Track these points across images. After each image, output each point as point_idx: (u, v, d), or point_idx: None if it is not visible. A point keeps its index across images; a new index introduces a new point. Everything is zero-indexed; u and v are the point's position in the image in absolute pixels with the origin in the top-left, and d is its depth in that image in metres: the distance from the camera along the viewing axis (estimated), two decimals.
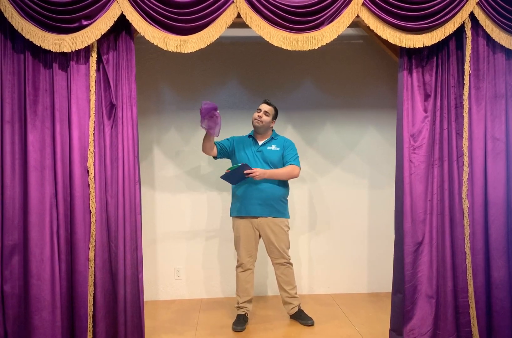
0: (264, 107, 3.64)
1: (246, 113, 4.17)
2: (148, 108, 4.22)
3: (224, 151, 3.70)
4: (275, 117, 3.71)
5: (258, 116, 3.62)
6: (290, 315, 3.77)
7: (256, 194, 3.56)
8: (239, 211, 3.63)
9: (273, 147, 3.66)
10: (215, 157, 3.72)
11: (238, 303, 3.71)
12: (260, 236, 3.66)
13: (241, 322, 3.62)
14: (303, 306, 3.83)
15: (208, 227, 4.34)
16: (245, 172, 3.44)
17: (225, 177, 3.52)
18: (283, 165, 3.64)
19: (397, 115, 3.21)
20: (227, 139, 3.77)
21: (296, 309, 3.72)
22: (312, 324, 3.63)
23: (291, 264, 3.70)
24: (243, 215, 3.60)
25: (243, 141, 3.73)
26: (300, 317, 3.70)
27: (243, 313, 3.69)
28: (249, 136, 3.74)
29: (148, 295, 4.08)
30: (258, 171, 3.46)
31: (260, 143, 3.68)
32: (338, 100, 4.36)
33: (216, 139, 3.61)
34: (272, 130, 3.76)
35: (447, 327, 3.13)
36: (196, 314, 3.93)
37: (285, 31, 2.98)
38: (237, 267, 3.71)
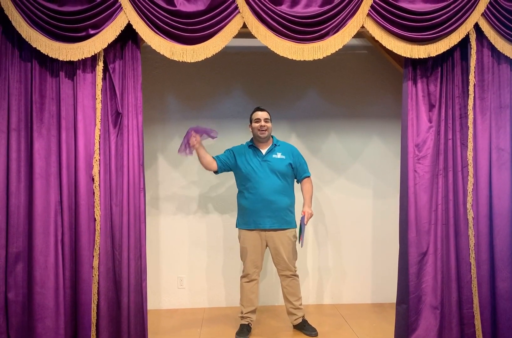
0: (261, 114, 3.54)
1: None
2: (153, 117, 4.23)
3: (226, 166, 3.62)
4: (271, 120, 3.63)
5: (260, 126, 3.53)
6: (294, 326, 3.74)
7: (265, 206, 3.49)
8: (247, 223, 3.56)
9: (279, 155, 3.58)
10: (216, 172, 3.65)
11: (242, 313, 3.68)
12: (267, 246, 3.62)
13: (244, 332, 3.59)
14: (308, 316, 3.81)
15: (212, 236, 4.33)
16: (305, 223, 3.50)
17: (302, 242, 3.50)
18: (291, 173, 3.61)
19: (402, 125, 3.21)
20: (226, 151, 3.68)
21: (300, 320, 3.70)
22: (316, 335, 3.60)
23: (297, 276, 3.67)
24: (252, 228, 3.55)
25: (243, 151, 3.63)
26: (304, 328, 3.66)
27: (247, 323, 3.66)
28: (249, 146, 3.64)
29: (151, 304, 4.07)
30: (309, 212, 3.53)
31: (263, 152, 3.60)
32: (342, 109, 4.37)
33: (213, 153, 3.60)
34: (272, 136, 3.68)
35: None
36: (199, 324, 3.91)
37: (290, 41, 2.99)
38: (242, 277, 3.68)
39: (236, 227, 3.69)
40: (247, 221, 3.56)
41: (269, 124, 3.56)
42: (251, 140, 3.68)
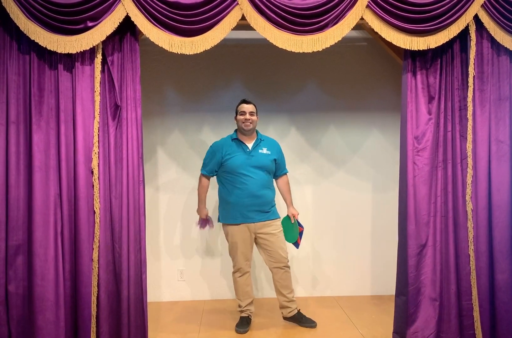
0: (247, 107, 3.53)
1: None
2: (152, 110, 4.23)
3: (215, 172, 3.64)
4: (257, 113, 3.61)
5: (245, 119, 3.51)
6: (288, 318, 3.73)
7: (252, 201, 3.51)
8: (234, 218, 3.55)
9: (264, 151, 3.59)
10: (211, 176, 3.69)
11: (240, 307, 3.69)
12: (255, 239, 3.63)
13: (244, 324, 3.61)
14: (307, 308, 3.83)
15: (211, 228, 4.33)
16: (297, 221, 3.70)
17: (297, 245, 3.70)
18: (274, 169, 3.65)
19: (401, 117, 3.21)
20: (208, 158, 3.64)
21: (295, 312, 3.70)
22: (315, 326, 3.62)
23: (289, 267, 3.67)
24: (240, 222, 3.55)
25: (227, 145, 3.59)
26: (302, 320, 3.68)
27: (247, 315, 3.67)
28: (233, 139, 3.61)
29: (151, 296, 4.08)
30: (296, 213, 3.73)
31: (249, 146, 3.58)
32: (342, 102, 4.36)
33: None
34: (256, 130, 3.66)
35: (450, 329, 3.13)
36: (199, 316, 3.93)
37: (290, 33, 2.98)
38: (234, 272, 3.68)
39: (219, 221, 3.69)
40: (233, 215, 3.56)
41: (254, 117, 3.55)
42: (235, 132, 3.66)
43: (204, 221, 3.80)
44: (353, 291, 4.44)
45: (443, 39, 3.04)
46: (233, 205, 3.54)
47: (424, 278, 3.13)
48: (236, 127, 3.66)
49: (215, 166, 3.60)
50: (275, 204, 3.68)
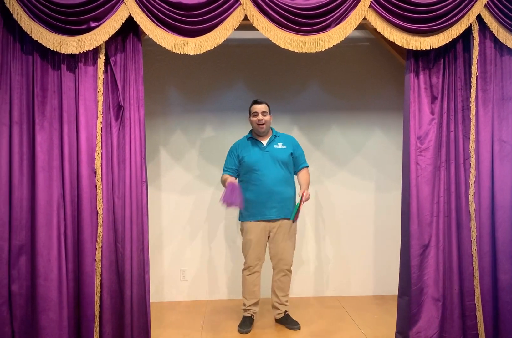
0: (259, 108, 3.53)
1: None
2: (155, 110, 4.23)
3: (235, 169, 3.62)
4: (270, 111, 3.62)
5: (258, 120, 3.52)
6: (276, 320, 3.73)
7: (270, 197, 3.49)
8: (254, 215, 3.54)
9: (280, 146, 3.59)
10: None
11: (244, 306, 3.68)
12: (268, 238, 3.62)
13: (247, 324, 3.60)
14: (310, 308, 3.84)
15: (214, 228, 4.34)
16: (303, 202, 3.44)
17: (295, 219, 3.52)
18: (292, 163, 3.62)
19: (404, 117, 3.21)
20: (229, 158, 3.66)
21: (282, 315, 3.70)
22: (298, 329, 3.59)
23: (290, 272, 3.68)
24: (259, 219, 3.54)
25: (244, 145, 3.63)
26: (287, 322, 3.66)
27: (250, 315, 3.67)
28: (248, 138, 3.65)
29: (153, 296, 4.08)
30: (307, 192, 3.47)
31: (264, 143, 3.61)
32: (344, 102, 4.36)
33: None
34: (271, 128, 3.67)
35: (453, 330, 3.12)
36: (201, 316, 3.93)
37: (292, 33, 2.98)
38: (244, 270, 3.67)
39: (240, 220, 3.67)
40: (253, 212, 3.55)
41: (267, 117, 3.56)
42: (250, 132, 3.69)
43: (231, 191, 3.32)
44: (356, 291, 4.43)
45: (446, 39, 3.03)
46: (251, 202, 3.51)
47: (427, 278, 3.12)
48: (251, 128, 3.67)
49: (233, 163, 3.61)
50: (295, 203, 3.62)
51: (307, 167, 3.72)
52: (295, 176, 3.72)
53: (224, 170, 3.67)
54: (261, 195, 3.50)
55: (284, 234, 3.58)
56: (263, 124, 3.54)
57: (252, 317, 3.68)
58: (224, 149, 3.74)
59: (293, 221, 3.57)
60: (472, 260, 3.11)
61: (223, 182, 3.55)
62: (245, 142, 3.65)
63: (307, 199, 3.49)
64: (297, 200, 3.53)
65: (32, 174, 2.96)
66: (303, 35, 2.99)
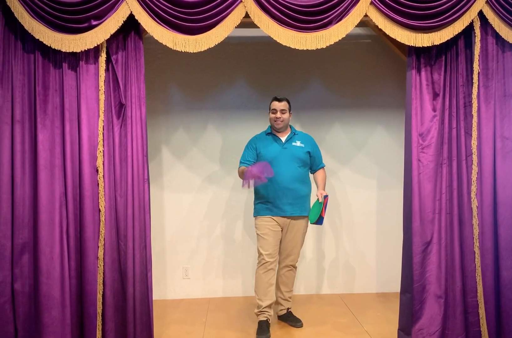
0: (278, 105, 3.50)
1: (254, 113, 4.20)
2: (157, 108, 4.23)
3: (252, 161, 3.56)
4: (290, 109, 3.60)
5: (276, 117, 3.51)
6: (278, 317, 3.74)
7: (287, 194, 3.47)
8: (271, 211, 3.50)
9: (298, 144, 3.57)
10: None
11: (259, 308, 3.51)
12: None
13: (264, 330, 3.43)
14: (312, 305, 3.84)
15: (216, 226, 4.34)
16: (324, 200, 3.36)
17: (320, 221, 3.38)
18: (309, 162, 3.60)
19: (406, 114, 3.20)
20: (248, 149, 3.62)
21: (284, 311, 3.71)
22: (301, 326, 3.60)
23: (295, 268, 3.68)
24: (275, 215, 3.50)
25: (263, 139, 3.61)
26: (289, 319, 3.67)
27: (265, 318, 3.50)
28: (267, 133, 3.63)
29: (156, 294, 4.10)
30: (324, 192, 3.42)
31: (283, 139, 3.58)
32: (346, 99, 4.35)
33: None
34: (290, 126, 3.66)
35: (456, 327, 3.12)
36: (204, 314, 3.93)
37: (293, 30, 2.98)
38: (258, 267, 3.51)
39: (255, 215, 3.60)
40: (266, 208, 3.52)
41: (285, 115, 3.54)
42: (269, 128, 3.67)
43: (265, 165, 3.29)
44: (358, 289, 4.44)
45: (448, 36, 3.02)
46: (266, 198, 3.51)
47: (429, 275, 3.12)
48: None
49: (251, 156, 3.57)
50: (309, 201, 3.61)
51: (324, 167, 3.73)
52: (310, 175, 3.71)
53: (241, 162, 3.60)
54: (276, 191, 3.47)
55: (297, 231, 3.57)
56: (281, 121, 3.53)
57: (268, 320, 3.52)
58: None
59: (315, 223, 3.41)
60: (474, 257, 3.10)
61: (241, 173, 3.49)
62: (264, 137, 3.63)
63: (324, 196, 3.40)
64: (313, 200, 3.49)
65: (34, 172, 2.97)
66: (304, 32, 2.98)
